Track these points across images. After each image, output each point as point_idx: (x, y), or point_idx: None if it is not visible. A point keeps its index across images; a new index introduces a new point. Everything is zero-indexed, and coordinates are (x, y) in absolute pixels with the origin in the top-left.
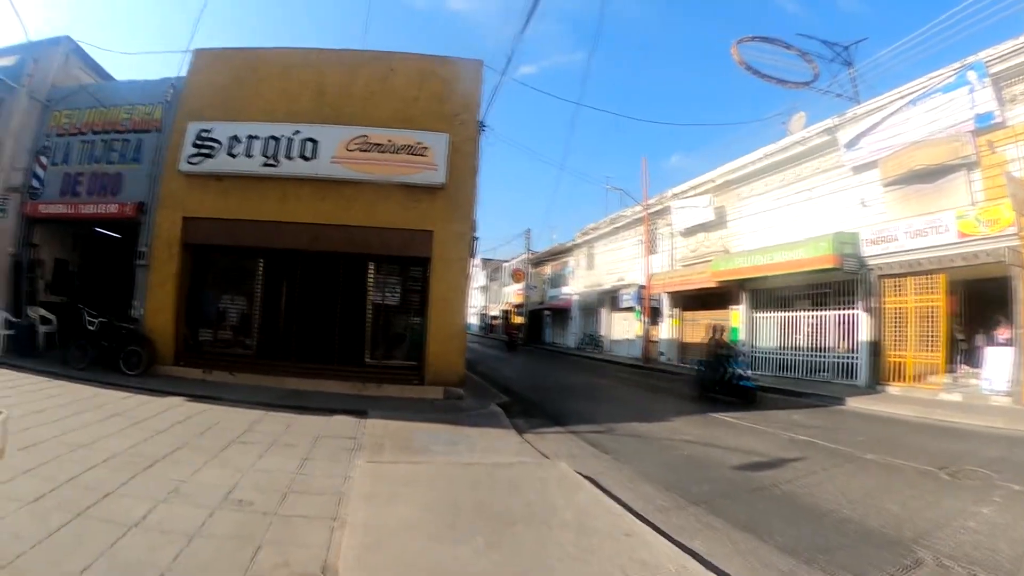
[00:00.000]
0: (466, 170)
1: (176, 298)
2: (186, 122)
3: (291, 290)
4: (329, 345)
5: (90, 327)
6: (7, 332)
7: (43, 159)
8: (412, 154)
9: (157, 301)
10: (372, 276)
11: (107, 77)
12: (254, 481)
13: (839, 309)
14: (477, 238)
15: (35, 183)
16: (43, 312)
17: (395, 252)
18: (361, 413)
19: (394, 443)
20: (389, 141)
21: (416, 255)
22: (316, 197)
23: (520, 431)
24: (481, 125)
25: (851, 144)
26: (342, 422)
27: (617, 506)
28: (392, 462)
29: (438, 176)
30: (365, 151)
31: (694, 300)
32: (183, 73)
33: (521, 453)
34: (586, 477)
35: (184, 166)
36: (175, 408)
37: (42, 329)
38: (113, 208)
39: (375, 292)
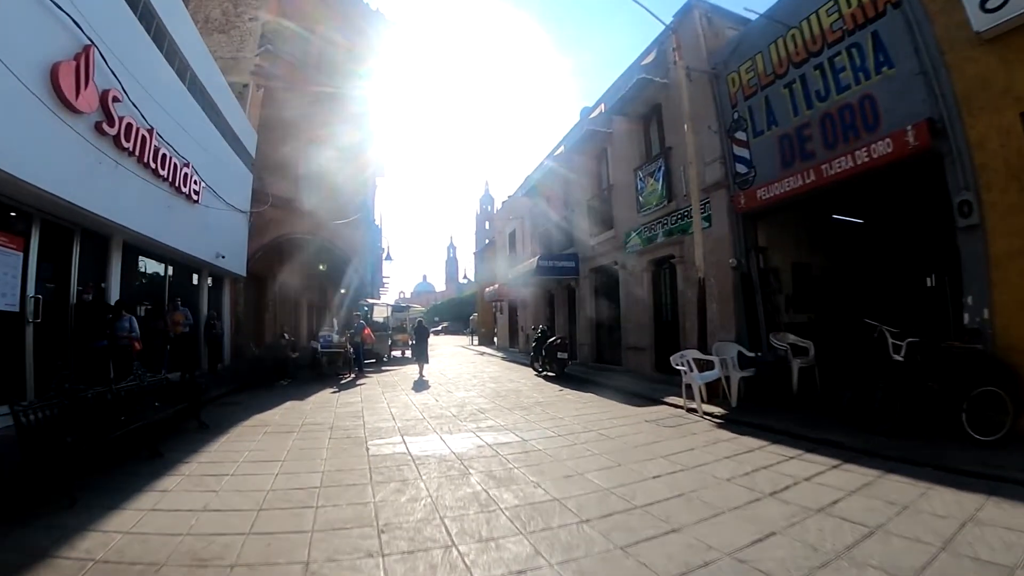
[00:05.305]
0: None
1: None
2: None
3: None
4: None
5: (895, 355)
6: (742, 373)
7: (739, 135)
8: None
9: (1013, 290)
10: None
11: (745, 21)
12: None
13: None
14: None
15: (740, 167)
16: (793, 339)
17: None
18: None
19: None
20: None
21: None
22: None
23: None
24: None
25: None
26: None
27: None
28: None
29: None
30: None
31: None
32: None
33: None
34: None
35: (981, 22)
36: None
37: (795, 363)
38: (884, 146)
39: None
